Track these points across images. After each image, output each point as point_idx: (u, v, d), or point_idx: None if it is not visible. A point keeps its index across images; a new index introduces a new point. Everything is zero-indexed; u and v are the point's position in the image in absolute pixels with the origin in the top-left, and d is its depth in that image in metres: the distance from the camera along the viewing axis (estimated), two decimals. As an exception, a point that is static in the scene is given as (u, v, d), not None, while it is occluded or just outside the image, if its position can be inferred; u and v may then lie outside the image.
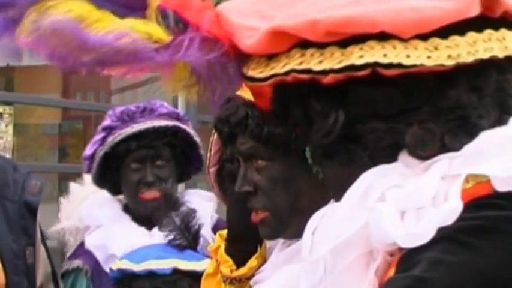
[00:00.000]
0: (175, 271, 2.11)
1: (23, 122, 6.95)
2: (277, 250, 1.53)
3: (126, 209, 2.59)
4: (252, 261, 1.66)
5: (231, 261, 1.68)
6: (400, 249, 0.94)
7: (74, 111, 8.17)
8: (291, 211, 1.27)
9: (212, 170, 1.78)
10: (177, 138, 2.53)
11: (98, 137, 2.48)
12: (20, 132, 6.59)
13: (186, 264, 2.13)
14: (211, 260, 1.98)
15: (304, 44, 1.01)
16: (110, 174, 2.51)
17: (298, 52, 1.01)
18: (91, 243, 2.48)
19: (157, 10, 1.05)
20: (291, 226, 1.43)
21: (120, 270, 2.14)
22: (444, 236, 0.90)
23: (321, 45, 1.00)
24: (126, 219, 2.55)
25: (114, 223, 2.52)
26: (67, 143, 8.14)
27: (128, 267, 2.12)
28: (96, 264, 2.49)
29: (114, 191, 2.58)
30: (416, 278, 0.89)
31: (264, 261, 1.64)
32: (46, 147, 7.88)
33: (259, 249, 1.67)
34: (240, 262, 1.67)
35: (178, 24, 1.06)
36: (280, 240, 1.52)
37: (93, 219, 2.54)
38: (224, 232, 1.73)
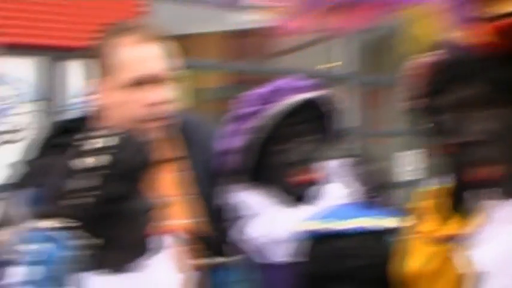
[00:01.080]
0: (379, 228, 2.03)
1: (196, 86, 7.06)
2: (499, 208, 1.42)
3: (270, 192, 2.34)
4: (473, 219, 1.56)
5: (454, 219, 1.60)
6: None
7: (239, 75, 8.27)
8: None
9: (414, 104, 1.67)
10: (321, 109, 2.34)
11: (239, 125, 2.30)
12: (190, 97, 6.70)
13: (388, 221, 2.05)
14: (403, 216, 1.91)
15: None
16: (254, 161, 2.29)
17: None
18: (251, 235, 2.25)
19: None
20: None
21: (316, 231, 2.07)
22: None
23: None
24: (278, 201, 2.32)
25: (267, 209, 2.30)
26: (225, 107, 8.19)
27: (329, 227, 2.05)
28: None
29: (255, 179, 2.34)
30: None
31: (482, 219, 1.53)
32: (218, 111, 7.98)
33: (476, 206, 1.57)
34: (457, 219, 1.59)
35: None
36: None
37: (245, 209, 2.31)
38: (435, 188, 1.65)
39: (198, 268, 2.13)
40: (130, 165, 1.68)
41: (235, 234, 2.16)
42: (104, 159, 1.65)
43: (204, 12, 6.58)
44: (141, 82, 2.14)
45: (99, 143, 1.68)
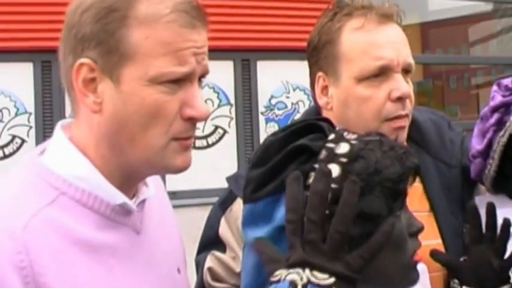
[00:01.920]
0: None
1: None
2: None
3: None
4: None
5: None
6: None
7: (435, 67, 7.87)
8: None
9: None
10: None
11: (490, 122, 1.90)
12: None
13: None
14: None
15: None
16: None
17: None
18: None
19: None
20: None
21: None
22: None
23: None
24: None
25: None
26: (421, 102, 7.83)
27: None
28: None
29: None
30: None
31: None
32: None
33: None
34: None
35: None
36: None
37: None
38: None
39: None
40: (393, 175, 1.33)
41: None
42: (358, 167, 1.30)
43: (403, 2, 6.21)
44: (385, 71, 1.72)
45: (345, 147, 1.33)
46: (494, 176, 1.85)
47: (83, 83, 1.24)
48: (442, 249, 1.80)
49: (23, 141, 5.32)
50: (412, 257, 1.39)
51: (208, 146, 5.70)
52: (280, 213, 1.28)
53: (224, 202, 1.87)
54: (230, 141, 5.73)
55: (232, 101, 5.76)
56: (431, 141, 1.91)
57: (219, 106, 5.70)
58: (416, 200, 1.82)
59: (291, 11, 5.66)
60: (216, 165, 5.43)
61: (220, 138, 5.73)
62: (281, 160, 1.33)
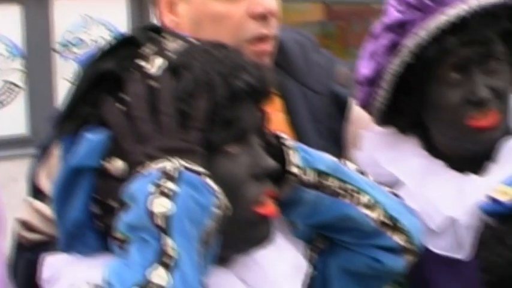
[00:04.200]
0: None
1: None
2: None
3: (429, 147, 1.71)
4: None
5: None
6: None
7: (337, 8, 7.34)
8: None
9: None
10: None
11: (381, 43, 1.63)
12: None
13: None
14: None
15: None
16: (404, 98, 1.63)
17: None
18: None
19: None
20: None
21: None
22: None
23: None
24: (438, 165, 1.67)
25: (423, 178, 1.65)
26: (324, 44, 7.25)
27: None
28: None
29: (409, 124, 1.70)
30: None
31: None
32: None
33: None
34: None
35: None
36: None
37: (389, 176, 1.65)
38: None
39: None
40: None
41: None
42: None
43: None
44: None
45: (158, 63, 1.19)
46: (382, 109, 1.65)
47: None
48: None
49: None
50: (256, 206, 1.20)
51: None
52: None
53: (43, 144, 1.69)
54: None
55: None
56: (297, 65, 1.70)
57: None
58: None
59: None
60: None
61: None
62: (83, 92, 1.20)
